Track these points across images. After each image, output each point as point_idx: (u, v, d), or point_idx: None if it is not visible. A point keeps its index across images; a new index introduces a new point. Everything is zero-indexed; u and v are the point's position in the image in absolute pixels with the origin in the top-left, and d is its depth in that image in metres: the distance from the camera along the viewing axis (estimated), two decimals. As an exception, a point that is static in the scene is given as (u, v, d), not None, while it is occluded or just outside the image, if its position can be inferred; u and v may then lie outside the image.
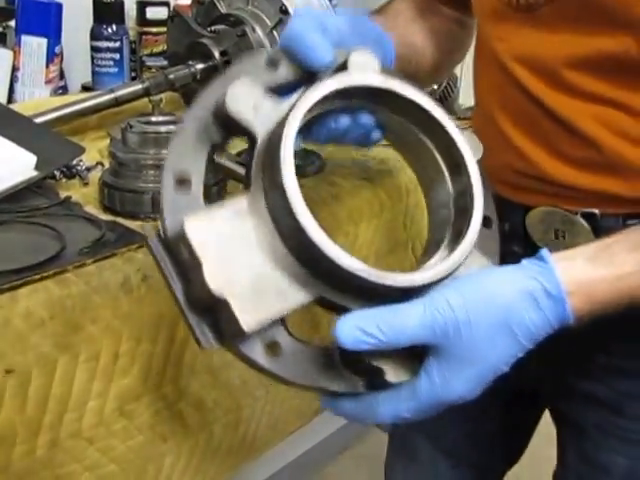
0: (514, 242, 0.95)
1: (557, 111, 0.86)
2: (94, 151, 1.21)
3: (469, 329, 0.62)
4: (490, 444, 1.23)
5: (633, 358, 0.98)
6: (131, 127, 1.01)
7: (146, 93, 1.30)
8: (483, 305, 0.63)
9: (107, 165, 1.11)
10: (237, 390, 1.07)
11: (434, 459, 1.24)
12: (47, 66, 1.42)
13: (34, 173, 1.00)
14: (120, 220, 0.98)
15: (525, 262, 0.67)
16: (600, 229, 0.87)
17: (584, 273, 0.66)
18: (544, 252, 0.67)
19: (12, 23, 1.44)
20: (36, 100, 1.40)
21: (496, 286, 0.65)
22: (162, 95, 1.31)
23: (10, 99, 1.43)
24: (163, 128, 1.01)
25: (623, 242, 0.68)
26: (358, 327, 0.61)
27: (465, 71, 2.03)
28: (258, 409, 1.14)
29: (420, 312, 0.63)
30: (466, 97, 1.94)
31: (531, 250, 0.86)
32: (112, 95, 1.28)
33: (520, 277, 0.65)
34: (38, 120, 1.17)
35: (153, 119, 1.04)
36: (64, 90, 1.53)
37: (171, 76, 1.31)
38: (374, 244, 1.21)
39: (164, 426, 0.99)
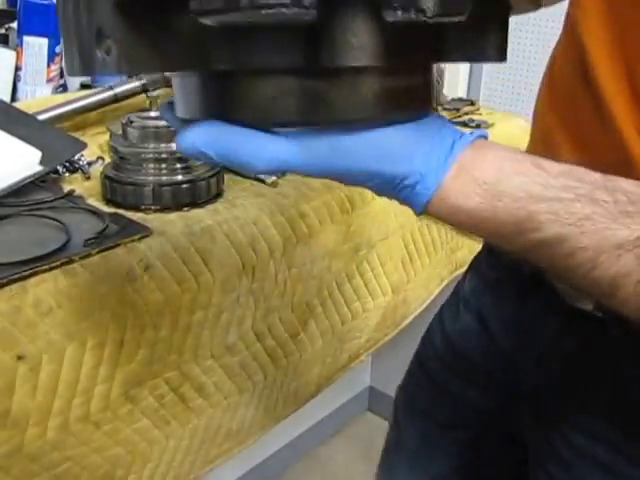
0: (523, 263, 0.83)
1: (609, 106, 0.69)
2: (94, 146, 1.25)
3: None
4: None
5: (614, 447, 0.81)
6: (132, 122, 1.04)
7: (144, 90, 1.34)
8: None
9: (107, 159, 1.15)
10: (237, 375, 1.11)
11: None
12: (48, 65, 1.45)
13: (39, 168, 1.03)
14: (122, 212, 1.01)
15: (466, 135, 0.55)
16: None
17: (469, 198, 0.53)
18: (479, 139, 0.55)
19: (14, 24, 1.47)
20: (39, 98, 1.44)
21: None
22: (159, 91, 1.35)
23: (13, 98, 1.46)
24: (162, 123, 1.04)
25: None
26: None
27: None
28: (257, 393, 1.17)
29: None
30: (450, 89, 1.97)
31: (539, 276, 0.82)
32: (112, 92, 1.32)
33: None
34: (41, 117, 1.20)
35: (152, 114, 1.07)
36: (64, 88, 1.56)
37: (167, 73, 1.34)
38: (366, 233, 1.25)
39: (167, 410, 1.02)
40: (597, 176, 0.52)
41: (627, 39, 0.67)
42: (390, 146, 0.51)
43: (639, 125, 0.67)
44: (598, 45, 0.70)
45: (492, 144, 0.54)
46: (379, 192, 0.56)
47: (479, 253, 1.03)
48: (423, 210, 0.54)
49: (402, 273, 1.38)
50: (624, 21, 0.67)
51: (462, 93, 2.20)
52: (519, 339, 0.90)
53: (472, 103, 1.81)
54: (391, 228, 1.30)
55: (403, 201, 0.55)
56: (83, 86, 1.60)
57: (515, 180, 0.52)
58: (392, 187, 0.53)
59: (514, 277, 0.89)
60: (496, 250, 0.91)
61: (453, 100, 1.83)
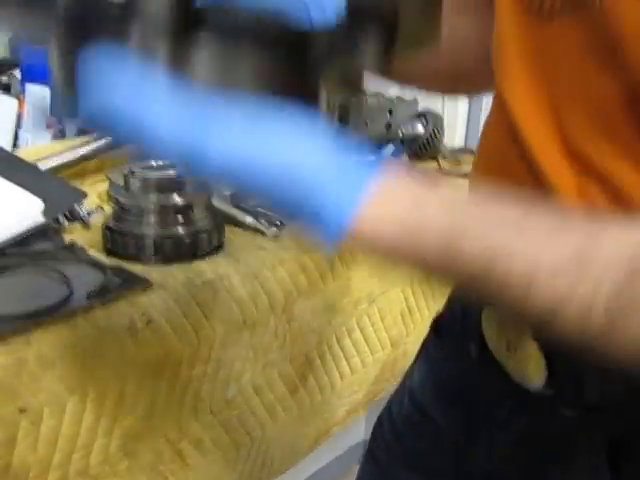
0: (470, 341, 0.79)
1: (539, 163, 0.63)
2: (93, 195, 1.24)
3: None
4: None
5: None
6: (133, 173, 1.04)
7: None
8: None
9: (107, 209, 1.14)
10: (235, 430, 1.09)
11: None
12: (50, 113, 1.46)
13: (42, 219, 1.03)
14: (123, 263, 1.00)
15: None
16: (553, 359, 0.67)
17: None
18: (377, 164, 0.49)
19: (17, 72, 1.48)
20: (39, 146, 1.43)
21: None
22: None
23: (14, 144, 1.46)
24: (164, 174, 1.04)
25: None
26: None
27: (447, 111, 2.06)
28: (254, 448, 1.16)
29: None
30: (448, 137, 1.97)
31: (486, 355, 0.75)
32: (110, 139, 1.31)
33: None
34: (42, 165, 1.20)
35: (154, 164, 1.07)
36: (62, 133, 1.56)
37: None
38: (367, 287, 1.24)
39: (165, 465, 1.01)
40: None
41: (556, 100, 0.62)
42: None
43: (577, 185, 0.61)
44: (525, 107, 0.64)
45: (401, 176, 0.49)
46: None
47: (427, 336, 0.94)
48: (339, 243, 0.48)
49: (402, 327, 1.37)
50: (552, 81, 0.62)
51: (460, 139, 2.18)
52: (467, 426, 0.83)
53: (472, 152, 1.81)
54: (391, 281, 1.29)
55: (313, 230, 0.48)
56: (80, 131, 1.60)
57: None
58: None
59: (460, 357, 0.82)
60: (443, 331, 0.89)
61: (453, 151, 1.83)
